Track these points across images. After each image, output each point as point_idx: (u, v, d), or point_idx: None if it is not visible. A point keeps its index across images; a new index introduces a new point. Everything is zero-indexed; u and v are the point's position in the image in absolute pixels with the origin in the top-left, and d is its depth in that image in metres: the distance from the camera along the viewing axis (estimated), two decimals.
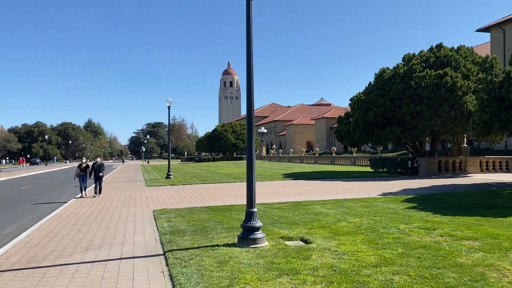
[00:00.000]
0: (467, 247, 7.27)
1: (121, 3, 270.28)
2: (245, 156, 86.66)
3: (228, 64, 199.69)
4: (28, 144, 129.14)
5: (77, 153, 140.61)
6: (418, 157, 28.57)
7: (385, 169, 31.05)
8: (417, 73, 25.68)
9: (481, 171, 29.16)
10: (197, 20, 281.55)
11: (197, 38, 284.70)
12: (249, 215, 8.04)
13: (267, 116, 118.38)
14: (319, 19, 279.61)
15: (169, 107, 29.38)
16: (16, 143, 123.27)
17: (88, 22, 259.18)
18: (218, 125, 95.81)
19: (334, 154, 58.69)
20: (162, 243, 8.34)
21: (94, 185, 18.80)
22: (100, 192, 18.28)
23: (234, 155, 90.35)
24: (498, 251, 6.95)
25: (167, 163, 62.67)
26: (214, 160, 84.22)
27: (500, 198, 14.44)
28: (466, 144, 34.65)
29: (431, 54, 27.21)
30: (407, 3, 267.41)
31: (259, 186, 21.74)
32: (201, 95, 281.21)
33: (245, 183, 21.33)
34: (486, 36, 49.40)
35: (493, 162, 29.72)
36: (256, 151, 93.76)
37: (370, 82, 30.20)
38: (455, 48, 27.68)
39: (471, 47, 28.44)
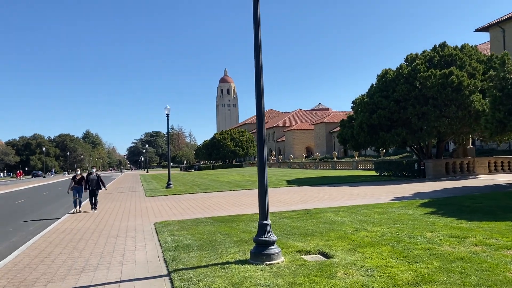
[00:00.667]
0: None
1: (118, 14, 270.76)
2: (245, 163, 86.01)
3: (225, 71, 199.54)
4: (26, 156, 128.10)
5: (75, 165, 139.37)
6: (424, 159, 27.81)
7: (390, 173, 30.28)
8: (421, 73, 25.00)
9: (490, 172, 28.42)
10: (193, 29, 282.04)
11: (193, 47, 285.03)
12: (263, 228, 7.22)
13: (265, 123, 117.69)
14: (314, 24, 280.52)
15: (167, 114, 28.62)
16: (13, 156, 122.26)
17: (85, 34, 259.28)
18: (217, 133, 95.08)
19: (335, 158, 57.89)
20: (166, 262, 7.50)
21: (90, 199, 17.14)
22: (96, 207, 16.73)
23: (234, 163, 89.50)
24: None
25: (166, 172, 61.52)
26: (213, 168, 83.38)
27: None
28: (472, 144, 33.93)
29: (435, 54, 26.56)
30: (403, 6, 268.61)
31: None
32: (199, 103, 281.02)
33: (249, 191, 20.56)
34: (485, 36, 48.96)
35: (502, 162, 28.99)
36: (255, 158, 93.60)
37: (373, 84, 29.53)
38: (459, 47, 27.06)
39: (475, 46, 27.83)
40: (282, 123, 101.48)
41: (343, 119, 31.53)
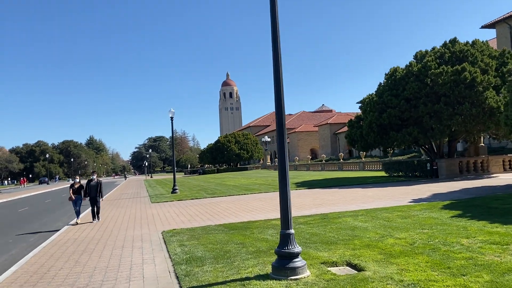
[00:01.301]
0: None
1: (120, 19, 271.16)
2: (250, 166, 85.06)
3: (227, 75, 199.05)
4: (30, 163, 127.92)
5: (79, 171, 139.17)
6: (436, 159, 26.98)
7: (401, 173, 29.48)
8: (432, 70, 24.21)
9: (504, 170, 27.59)
10: (195, 33, 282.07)
11: (194, 51, 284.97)
12: (286, 238, 6.47)
13: (269, 125, 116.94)
14: (316, 26, 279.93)
15: (172, 118, 27.95)
16: (17, 163, 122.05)
17: (88, 39, 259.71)
18: (221, 136, 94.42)
19: (341, 160, 57.07)
20: (178, 277, 6.77)
21: (90, 208, 15.50)
22: (98, 217, 15.27)
23: (238, 166, 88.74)
24: None
25: (170, 177, 60.66)
26: (218, 171, 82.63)
27: None
28: (483, 143, 33.07)
29: (445, 50, 25.77)
30: (406, 5, 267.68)
31: (273, 197, 20.19)
32: (201, 107, 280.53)
33: (258, 195, 19.51)
34: (491, 33, 48.15)
35: None
36: (260, 160, 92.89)
37: (381, 83, 28.77)
38: (470, 42, 26.27)
39: (486, 41, 27.03)
40: (286, 125, 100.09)
41: (351, 119, 30.75)
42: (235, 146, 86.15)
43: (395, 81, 26.26)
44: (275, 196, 20.80)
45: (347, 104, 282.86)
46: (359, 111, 32.18)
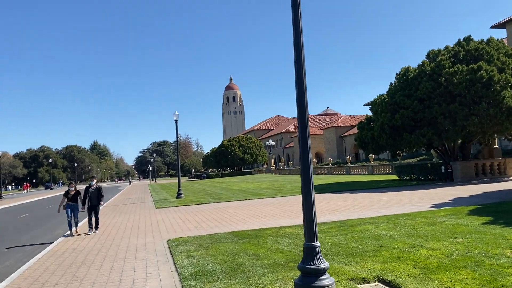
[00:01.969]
0: None
1: (123, 23, 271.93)
2: (254, 170, 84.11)
3: (230, 79, 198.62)
4: (34, 169, 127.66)
5: (83, 176, 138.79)
6: (451, 161, 26.02)
7: (413, 176, 28.51)
8: (447, 69, 23.31)
9: None
10: (198, 37, 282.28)
11: (198, 55, 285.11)
12: (311, 252, 5.59)
13: (272, 129, 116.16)
14: (320, 30, 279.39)
15: (176, 120, 27.18)
16: (21, 168, 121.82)
17: (91, 44, 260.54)
18: (224, 140, 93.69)
19: (349, 163, 56.11)
20: None
21: (88, 217, 13.70)
22: (97, 227, 13.73)
23: (242, 170, 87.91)
24: None
25: (174, 181, 59.74)
26: (222, 175, 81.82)
27: None
28: (498, 145, 32.07)
29: (459, 48, 24.87)
30: (410, 7, 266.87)
31: (282, 202, 19.34)
32: (204, 111, 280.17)
33: (266, 200, 18.39)
34: (501, 33, 47.20)
35: None
36: (264, 164, 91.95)
37: (391, 83, 27.89)
38: (485, 40, 25.37)
39: (502, 39, 26.12)
40: (290, 129, 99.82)
41: (361, 121, 29.86)
42: (239, 150, 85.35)
43: (407, 81, 25.38)
44: (284, 201, 19.94)
45: (352, 107, 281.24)
46: (365, 114, 31.43)
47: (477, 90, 22.30)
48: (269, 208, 17.05)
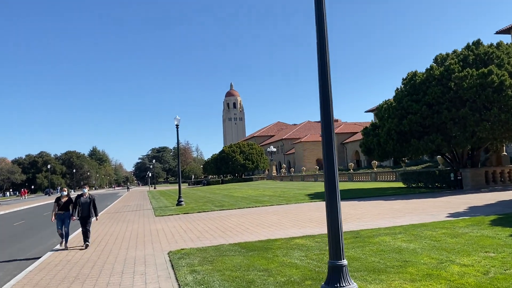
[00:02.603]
0: None
1: (123, 30, 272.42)
2: (255, 177, 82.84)
3: (231, 85, 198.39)
4: (32, 174, 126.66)
5: (81, 182, 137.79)
6: (460, 168, 25.27)
7: (420, 184, 27.74)
8: (456, 74, 22.66)
9: None
10: (198, 43, 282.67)
11: (198, 61, 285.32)
12: (337, 272, 4.84)
13: (273, 135, 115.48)
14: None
15: (177, 125, 26.45)
16: (20, 174, 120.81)
17: (90, 50, 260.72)
18: (225, 146, 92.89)
19: (351, 170, 55.34)
20: None
21: (81, 229, 12.17)
22: (88, 241, 11.96)
23: (243, 177, 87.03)
24: None
25: (174, 188, 58.90)
26: (223, 182, 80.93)
27: None
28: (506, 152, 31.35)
29: (469, 52, 24.25)
30: (416, 11, 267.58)
31: (288, 210, 18.56)
32: (205, 118, 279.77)
33: (270, 207, 17.84)
34: (506, 38, 46.72)
35: None
36: (265, 171, 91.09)
37: (398, 88, 27.24)
38: (495, 44, 24.76)
39: (511, 43, 25.52)
40: (291, 135, 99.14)
41: (366, 127, 29.16)
42: (240, 156, 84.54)
43: (415, 86, 24.71)
44: (289, 209, 19.16)
45: (352, 114, 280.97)
46: (365, 120, 30.76)
47: (488, 95, 21.63)
48: (274, 217, 16.27)
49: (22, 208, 40.72)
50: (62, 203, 12.05)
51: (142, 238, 13.14)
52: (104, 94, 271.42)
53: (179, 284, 7.02)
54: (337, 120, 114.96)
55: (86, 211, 11.92)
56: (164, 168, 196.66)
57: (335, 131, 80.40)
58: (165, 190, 67.49)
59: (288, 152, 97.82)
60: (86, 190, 12.28)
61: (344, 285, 4.77)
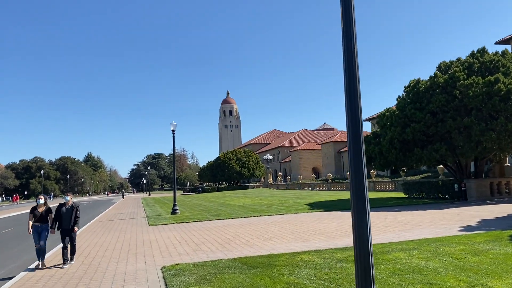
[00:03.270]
0: None
1: (119, 37, 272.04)
2: (251, 184, 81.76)
3: (227, 93, 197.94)
4: (26, 180, 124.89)
5: (75, 188, 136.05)
6: (464, 179, 24.56)
7: (422, 194, 27.02)
8: (462, 81, 22.04)
9: None
10: (194, 51, 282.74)
11: (194, 69, 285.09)
12: None
13: (269, 143, 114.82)
14: (317, 45, 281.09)
15: (173, 131, 25.62)
16: (13, 179, 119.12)
17: (86, 56, 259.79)
18: (221, 153, 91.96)
19: (349, 179, 54.54)
20: None
21: (62, 245, 10.30)
22: (72, 258, 10.48)
23: (239, 184, 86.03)
24: None
25: (168, 195, 57.77)
26: (218, 190, 79.86)
27: None
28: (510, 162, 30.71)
29: (474, 60, 23.67)
30: (415, 20, 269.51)
31: (288, 221, 17.72)
32: (201, 125, 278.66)
33: (269, 217, 17.18)
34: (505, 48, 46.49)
35: None
36: (261, 179, 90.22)
37: (399, 96, 26.58)
38: (500, 52, 24.22)
39: None
40: (287, 143, 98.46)
41: (367, 135, 28.46)
42: (236, 163, 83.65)
43: (418, 94, 24.06)
44: (289, 219, 18.33)
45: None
46: (365, 129, 30.03)
47: (494, 103, 21.00)
48: (275, 228, 15.42)
49: (13, 214, 39.52)
50: (39, 214, 10.17)
51: (134, 249, 12.25)
52: (101, 100, 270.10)
53: None
54: (333, 129, 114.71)
55: (68, 222, 10.13)
56: (159, 175, 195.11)
57: (333, 140, 79.81)
58: (159, 197, 66.36)
59: (284, 160, 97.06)
60: (68, 198, 10.56)
61: None
